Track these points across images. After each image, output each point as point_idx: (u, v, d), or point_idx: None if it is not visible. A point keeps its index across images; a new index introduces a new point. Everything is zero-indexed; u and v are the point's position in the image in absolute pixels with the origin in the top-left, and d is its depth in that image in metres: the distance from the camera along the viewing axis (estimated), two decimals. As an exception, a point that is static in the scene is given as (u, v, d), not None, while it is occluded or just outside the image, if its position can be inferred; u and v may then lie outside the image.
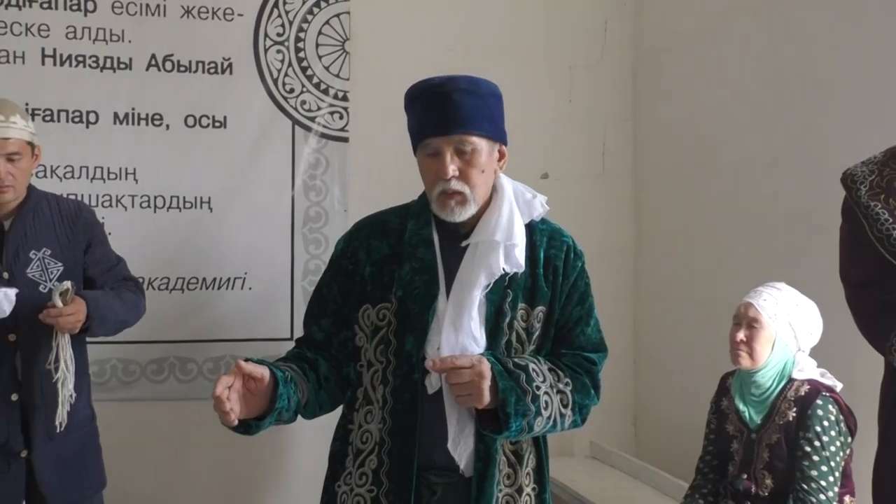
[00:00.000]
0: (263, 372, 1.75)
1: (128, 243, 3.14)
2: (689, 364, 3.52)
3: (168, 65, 3.41)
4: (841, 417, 2.31)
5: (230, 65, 3.47)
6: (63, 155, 3.30)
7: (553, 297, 1.97)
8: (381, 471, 1.89)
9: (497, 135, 1.95)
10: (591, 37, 3.92)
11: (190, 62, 3.43)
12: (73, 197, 2.89)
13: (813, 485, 2.26)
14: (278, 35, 3.52)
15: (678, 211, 3.66)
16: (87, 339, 2.62)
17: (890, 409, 1.99)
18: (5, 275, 2.39)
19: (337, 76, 3.58)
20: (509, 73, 3.18)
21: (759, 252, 3.11)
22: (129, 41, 3.37)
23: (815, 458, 2.27)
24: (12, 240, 2.44)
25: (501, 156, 1.98)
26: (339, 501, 1.94)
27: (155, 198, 3.40)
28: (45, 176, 3.23)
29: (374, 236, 2.00)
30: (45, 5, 3.30)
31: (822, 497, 2.25)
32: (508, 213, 1.94)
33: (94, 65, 3.35)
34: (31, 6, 3.28)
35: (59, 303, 2.30)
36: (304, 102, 3.54)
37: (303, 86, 3.54)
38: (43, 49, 3.29)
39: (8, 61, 3.26)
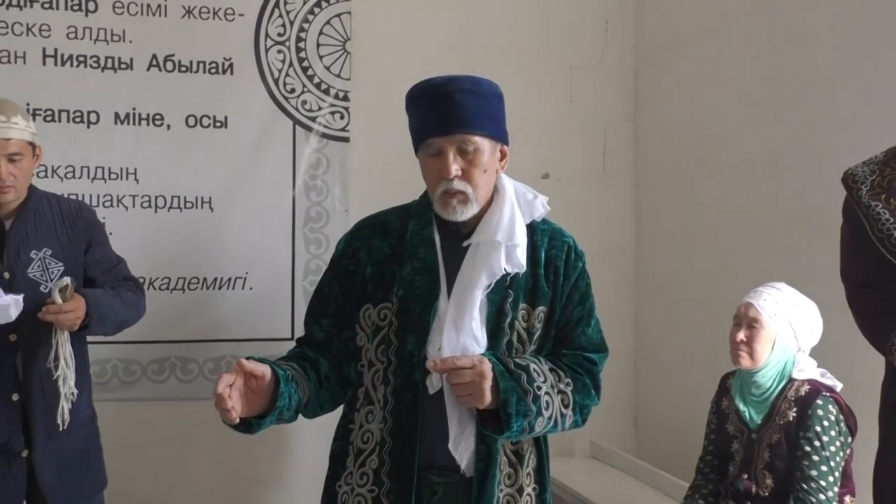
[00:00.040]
0: (265, 370, 1.75)
1: (129, 243, 3.14)
2: (689, 364, 3.52)
3: (169, 65, 3.41)
4: (841, 417, 2.31)
5: (231, 65, 3.47)
6: (64, 155, 3.30)
7: (554, 298, 1.97)
8: (382, 471, 1.89)
9: (499, 135, 1.95)
10: (591, 37, 3.92)
11: (191, 62, 3.43)
12: (74, 197, 2.89)
13: (813, 484, 2.26)
14: (279, 35, 3.52)
15: (679, 211, 3.66)
16: (88, 339, 2.62)
17: (891, 409, 1.99)
18: (6, 275, 2.39)
19: (338, 76, 3.58)
20: (510, 73, 3.18)
21: (760, 252, 3.11)
22: (130, 41, 3.37)
23: (815, 457, 2.27)
24: (13, 240, 2.44)
25: (503, 156, 1.98)
26: (339, 501, 1.94)
27: (156, 198, 3.40)
28: (46, 176, 3.23)
29: (375, 236, 2.01)
30: (46, 5, 3.30)
31: (822, 497, 2.25)
32: (510, 213, 1.94)
33: (95, 65, 3.35)
34: (31, 6, 3.28)
35: (58, 299, 2.30)
36: (304, 102, 3.54)
37: (304, 86, 3.54)
38: (44, 49, 3.30)
39: (9, 61, 3.26)
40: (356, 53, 3.60)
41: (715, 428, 2.58)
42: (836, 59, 2.78)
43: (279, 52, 3.52)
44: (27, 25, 3.28)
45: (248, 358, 1.75)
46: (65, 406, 2.40)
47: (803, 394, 2.35)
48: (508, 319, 1.92)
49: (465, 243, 1.94)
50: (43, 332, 2.37)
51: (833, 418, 2.30)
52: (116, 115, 3.37)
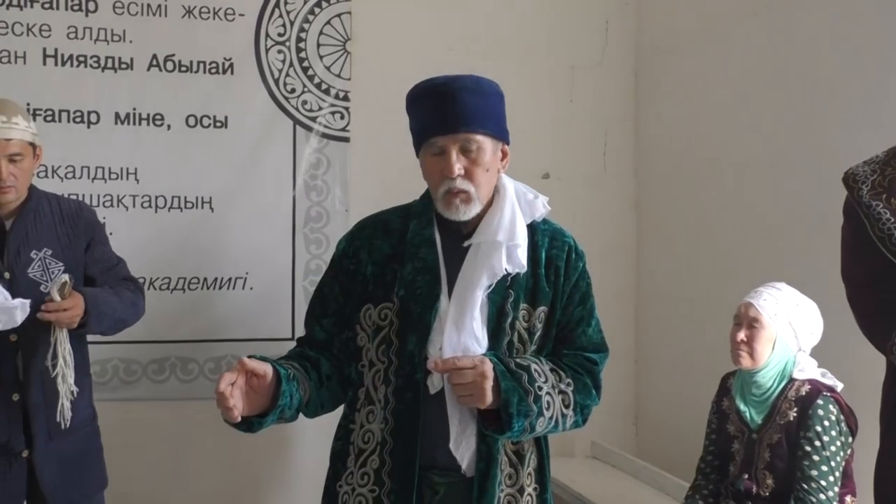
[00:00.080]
0: (266, 369, 1.75)
1: (129, 243, 3.15)
2: (689, 364, 3.52)
3: (169, 65, 3.41)
4: (842, 417, 2.31)
5: (231, 65, 3.47)
6: (64, 155, 3.30)
7: (555, 298, 1.97)
8: (383, 471, 1.89)
9: (501, 134, 1.95)
10: (592, 37, 3.92)
11: (191, 62, 3.43)
12: (74, 197, 2.89)
13: (813, 484, 2.26)
14: (279, 35, 3.52)
15: (679, 211, 3.66)
16: (88, 339, 2.62)
17: (892, 409, 1.99)
18: (6, 274, 2.39)
19: (338, 76, 3.58)
20: (510, 73, 3.18)
21: (760, 252, 3.11)
22: (131, 41, 3.37)
23: (816, 457, 2.27)
24: (13, 240, 2.44)
25: (504, 155, 1.98)
26: (340, 501, 1.94)
27: (156, 198, 3.40)
28: (46, 176, 3.23)
29: (376, 236, 2.01)
30: (47, 5, 3.30)
31: (823, 497, 2.25)
32: (511, 213, 1.94)
33: (96, 65, 3.35)
34: (32, 6, 3.28)
35: (56, 296, 2.30)
36: (305, 102, 3.54)
37: (304, 86, 3.54)
38: (44, 49, 3.30)
39: (9, 61, 3.26)
40: (356, 53, 3.60)
41: (715, 428, 2.58)
42: (836, 59, 2.78)
43: (279, 52, 3.52)
44: (27, 25, 3.28)
45: (249, 356, 1.75)
46: (65, 404, 2.40)
47: (804, 394, 2.35)
48: (509, 319, 1.92)
49: (465, 243, 1.94)
50: (43, 331, 2.37)
51: (833, 418, 2.30)
52: (117, 115, 3.37)
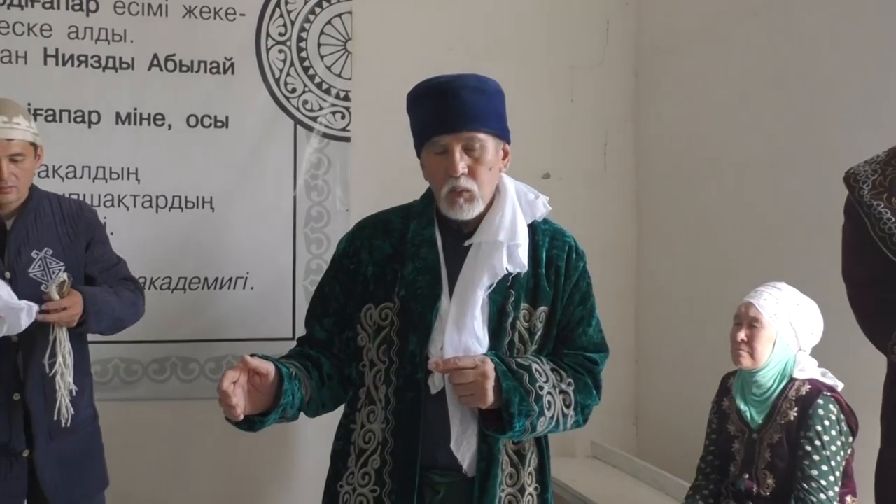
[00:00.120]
0: (269, 368, 1.75)
1: (130, 243, 3.15)
2: (690, 364, 3.52)
3: (170, 65, 3.41)
4: (842, 417, 2.31)
5: (232, 65, 3.47)
6: (65, 155, 3.30)
7: (555, 298, 1.97)
8: (384, 471, 1.89)
9: (503, 133, 1.95)
10: (592, 37, 3.92)
11: (192, 62, 3.43)
12: (75, 197, 2.89)
13: (813, 484, 2.26)
14: (280, 35, 3.52)
15: (680, 211, 3.66)
16: (89, 339, 2.62)
17: (892, 409, 1.99)
18: (7, 274, 2.39)
19: (339, 76, 3.58)
20: (511, 72, 3.18)
21: (760, 252, 3.11)
22: (131, 41, 3.37)
23: (816, 457, 2.27)
24: (14, 239, 2.44)
25: (505, 154, 1.98)
26: (341, 501, 1.94)
27: (157, 198, 3.40)
28: (47, 176, 3.24)
29: (377, 236, 2.01)
30: (47, 5, 3.30)
31: (823, 497, 2.25)
32: (511, 213, 1.94)
33: (96, 65, 3.35)
34: (33, 6, 3.28)
35: (55, 295, 2.31)
36: (305, 102, 3.55)
37: (305, 86, 3.54)
38: (45, 49, 3.30)
39: (10, 61, 3.26)
40: (357, 53, 3.60)
41: (716, 428, 2.58)
42: (836, 58, 2.78)
43: (280, 51, 3.52)
44: (28, 25, 3.28)
45: (251, 355, 1.75)
46: (64, 403, 2.40)
47: (804, 393, 2.35)
48: (510, 319, 1.92)
49: (466, 243, 1.94)
50: (44, 331, 2.37)
51: (834, 418, 2.30)
52: (117, 115, 3.37)
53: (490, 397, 1.79)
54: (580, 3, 3.89)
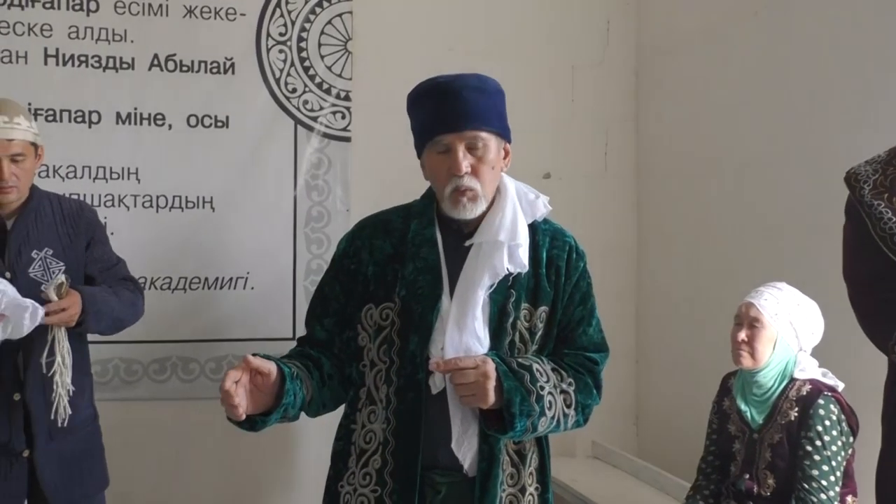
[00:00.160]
0: (271, 367, 1.75)
1: (130, 243, 3.15)
2: (690, 364, 3.52)
3: (170, 65, 3.41)
4: (843, 417, 2.31)
5: (232, 65, 3.47)
6: (65, 155, 3.30)
7: (556, 297, 1.97)
8: (386, 471, 1.89)
9: (505, 132, 1.95)
10: (593, 36, 3.92)
11: (192, 62, 3.43)
12: (75, 197, 2.89)
13: (814, 484, 2.26)
14: (280, 35, 3.52)
15: (680, 211, 3.67)
16: (89, 339, 2.62)
17: (893, 409, 1.99)
18: (7, 274, 2.39)
19: (339, 76, 3.58)
20: (512, 72, 3.18)
21: (761, 252, 3.11)
22: (132, 41, 3.38)
23: (817, 457, 2.27)
24: (14, 239, 2.44)
25: (506, 154, 1.98)
26: (342, 501, 1.94)
27: (157, 198, 3.40)
28: (47, 176, 3.24)
29: (377, 236, 2.00)
30: (48, 5, 3.30)
31: (823, 497, 2.25)
32: (512, 213, 1.94)
33: (97, 65, 3.35)
34: (33, 6, 3.28)
35: (53, 297, 2.30)
36: (306, 102, 3.55)
37: (305, 85, 3.55)
38: (45, 49, 3.30)
39: (11, 61, 3.26)
40: (357, 53, 3.60)
41: (716, 428, 2.58)
42: (836, 59, 2.78)
43: (280, 51, 3.52)
44: (28, 25, 3.28)
45: (253, 355, 1.75)
46: (62, 403, 2.39)
47: (805, 393, 2.35)
48: (511, 319, 1.92)
49: (467, 243, 1.94)
50: (43, 331, 2.37)
51: (834, 418, 2.30)
52: (118, 115, 3.37)
53: (491, 397, 1.79)
54: (580, 3, 3.90)
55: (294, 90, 3.53)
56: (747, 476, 2.41)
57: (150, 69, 3.39)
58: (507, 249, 1.90)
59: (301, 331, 2.17)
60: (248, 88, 3.48)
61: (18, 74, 3.25)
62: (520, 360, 1.89)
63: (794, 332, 2.38)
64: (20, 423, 2.40)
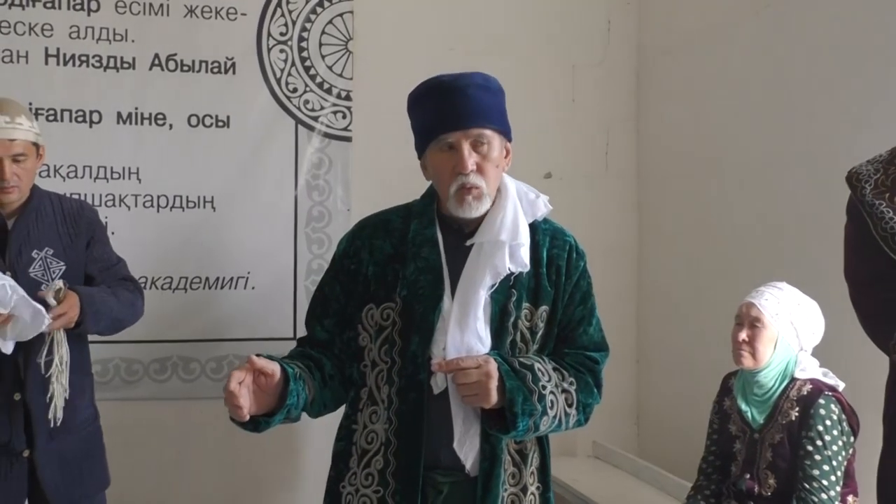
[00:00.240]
0: (275, 368, 1.75)
1: (131, 243, 3.16)
2: (691, 364, 3.52)
3: (171, 64, 3.42)
4: (843, 417, 2.31)
5: (233, 64, 3.47)
6: (66, 154, 3.30)
7: (556, 297, 1.97)
8: (388, 471, 1.89)
9: (507, 131, 1.95)
10: (594, 36, 3.93)
11: (193, 62, 3.43)
12: (76, 196, 2.89)
13: (815, 484, 2.26)
14: (281, 35, 3.52)
15: (681, 211, 3.67)
16: (90, 339, 2.62)
17: (895, 409, 1.99)
18: (8, 274, 2.38)
19: (340, 76, 3.58)
20: (512, 72, 3.18)
21: (761, 252, 3.11)
22: (133, 41, 3.38)
23: (817, 457, 2.27)
24: (15, 239, 2.44)
25: (507, 153, 1.98)
26: (344, 501, 1.94)
27: (158, 197, 3.41)
28: (48, 175, 3.24)
29: (377, 236, 2.00)
30: (49, 5, 3.30)
31: (824, 496, 2.25)
32: (513, 212, 1.93)
33: (98, 64, 3.35)
34: (34, 6, 3.29)
35: (52, 301, 2.30)
36: (307, 102, 3.55)
37: (306, 85, 3.55)
38: (46, 49, 3.30)
39: (12, 61, 3.26)
40: (358, 53, 3.61)
41: (717, 428, 2.58)
42: (837, 59, 2.78)
43: (281, 51, 3.52)
44: (29, 25, 3.28)
45: (257, 355, 1.75)
46: (58, 404, 2.39)
47: (805, 393, 2.35)
48: (512, 319, 1.92)
49: (468, 242, 1.93)
50: (43, 332, 2.37)
51: (835, 418, 2.30)
52: (119, 115, 3.37)
53: (494, 397, 1.79)
54: (581, 3, 3.90)
55: (295, 90, 3.53)
56: (748, 476, 2.41)
57: (150, 69, 3.40)
58: (509, 249, 1.90)
59: (301, 331, 2.17)
60: (248, 88, 3.48)
61: (19, 74, 3.26)
62: (521, 359, 1.89)
63: (794, 331, 2.38)
64: (20, 423, 2.40)
